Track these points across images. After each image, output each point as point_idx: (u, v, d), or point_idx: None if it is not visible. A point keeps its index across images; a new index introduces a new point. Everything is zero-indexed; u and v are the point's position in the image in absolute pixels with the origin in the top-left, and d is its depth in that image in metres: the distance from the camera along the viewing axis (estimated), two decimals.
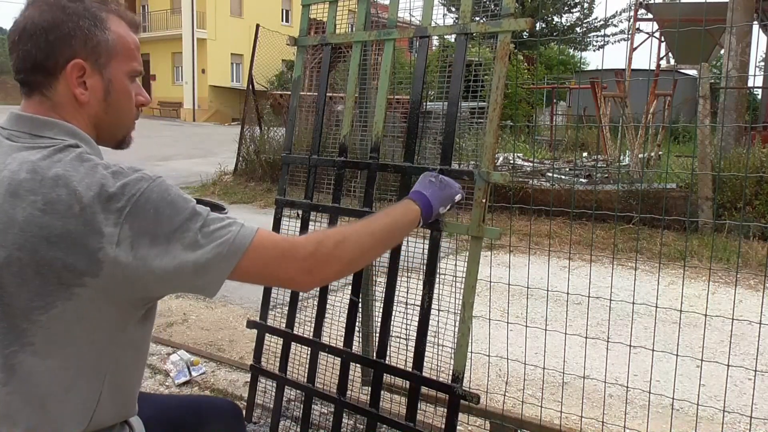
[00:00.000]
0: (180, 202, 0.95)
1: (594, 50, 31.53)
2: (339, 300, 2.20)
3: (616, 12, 28.40)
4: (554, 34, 26.01)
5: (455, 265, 1.92)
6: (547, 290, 2.24)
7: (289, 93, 2.33)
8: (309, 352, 2.07)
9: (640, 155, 8.11)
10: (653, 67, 11.96)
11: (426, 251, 1.80)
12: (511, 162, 7.95)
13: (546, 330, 2.25)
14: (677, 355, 2.04)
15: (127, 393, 1.05)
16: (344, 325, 1.97)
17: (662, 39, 12.08)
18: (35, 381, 0.94)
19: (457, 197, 1.51)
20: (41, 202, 0.89)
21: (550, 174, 7.49)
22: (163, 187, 0.94)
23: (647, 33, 13.26)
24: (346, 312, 1.97)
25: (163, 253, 0.91)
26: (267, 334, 2.20)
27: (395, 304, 1.88)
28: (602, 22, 29.07)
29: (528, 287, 2.18)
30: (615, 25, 28.51)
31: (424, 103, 1.92)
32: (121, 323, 0.97)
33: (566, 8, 30.18)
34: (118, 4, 1.05)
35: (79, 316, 0.92)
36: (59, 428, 0.96)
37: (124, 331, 0.98)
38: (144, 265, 0.91)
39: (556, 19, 30.40)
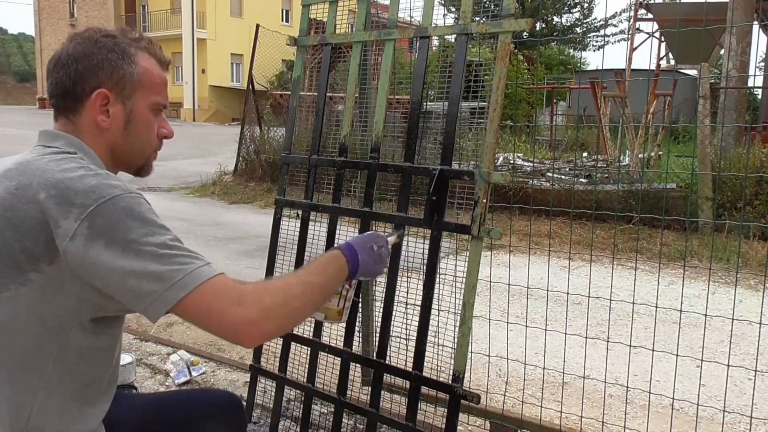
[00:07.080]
0: (149, 220, 0.94)
1: (594, 50, 31.58)
2: None
3: (616, 12, 28.48)
4: (554, 34, 26.00)
5: (455, 265, 1.92)
6: (547, 290, 2.24)
7: (289, 93, 2.33)
8: (309, 352, 2.07)
9: (640, 155, 8.11)
10: (653, 67, 11.97)
11: (426, 251, 1.80)
12: (511, 162, 7.95)
13: (546, 330, 2.25)
14: (677, 355, 2.04)
15: (72, 404, 1.02)
16: (344, 325, 1.97)
17: (662, 39, 12.10)
18: None
19: (378, 278, 1.40)
20: (14, 186, 0.96)
21: (550, 174, 7.49)
22: (136, 201, 0.95)
23: (647, 33, 13.29)
24: None
25: (113, 258, 0.91)
26: None
27: (395, 304, 1.88)
28: (602, 22, 29.14)
29: (528, 287, 2.18)
30: (615, 26, 28.61)
31: (425, 103, 1.92)
32: (68, 323, 0.98)
33: (566, 8, 30.22)
34: (151, 43, 1.13)
35: (29, 306, 0.95)
36: None
37: (70, 333, 0.99)
38: (93, 265, 0.92)
39: (556, 19, 30.43)
